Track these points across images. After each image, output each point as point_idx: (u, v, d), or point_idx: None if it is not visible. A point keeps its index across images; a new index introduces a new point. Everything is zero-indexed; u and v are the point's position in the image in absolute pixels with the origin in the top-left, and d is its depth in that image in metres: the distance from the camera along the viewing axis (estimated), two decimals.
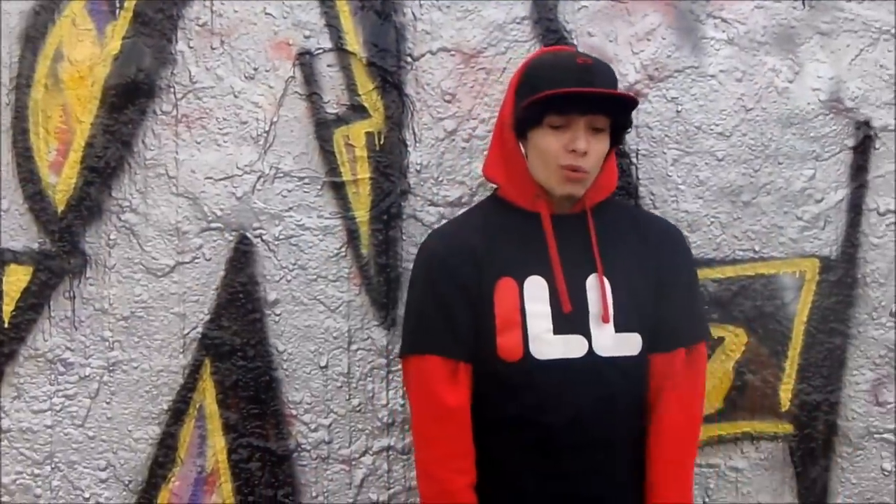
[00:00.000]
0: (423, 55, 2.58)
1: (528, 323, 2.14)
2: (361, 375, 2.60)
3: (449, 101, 2.58)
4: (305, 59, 2.58)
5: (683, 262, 2.29)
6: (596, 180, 2.20)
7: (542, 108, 2.11)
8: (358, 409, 2.61)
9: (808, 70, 2.58)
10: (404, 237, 2.58)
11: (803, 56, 2.58)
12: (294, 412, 2.60)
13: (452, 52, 2.58)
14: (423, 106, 2.58)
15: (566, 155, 2.12)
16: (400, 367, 2.56)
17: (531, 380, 2.12)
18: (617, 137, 2.22)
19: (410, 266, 2.53)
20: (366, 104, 2.58)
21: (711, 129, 2.59)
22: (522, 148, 2.21)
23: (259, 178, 2.59)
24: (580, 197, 2.18)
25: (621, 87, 2.55)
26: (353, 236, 2.59)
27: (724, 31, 2.58)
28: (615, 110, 2.15)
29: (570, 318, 2.13)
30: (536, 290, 2.15)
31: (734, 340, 2.59)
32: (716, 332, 2.58)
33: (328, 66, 2.58)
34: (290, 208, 2.59)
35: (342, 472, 2.62)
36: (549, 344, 2.13)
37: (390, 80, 2.58)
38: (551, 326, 2.13)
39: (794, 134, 2.58)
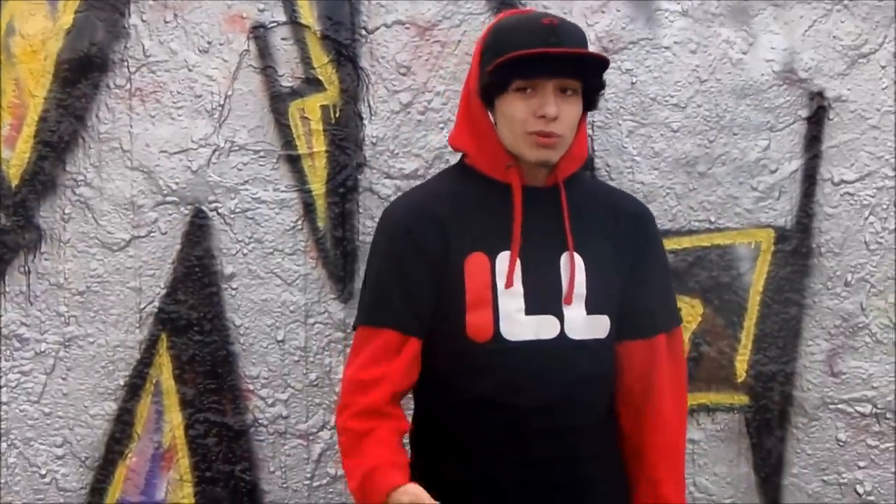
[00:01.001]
0: (377, 28, 2.60)
1: (500, 301, 2.03)
2: (318, 349, 2.62)
3: (404, 74, 2.61)
4: (260, 33, 2.60)
5: (656, 245, 2.20)
6: (568, 150, 2.08)
7: (507, 73, 1.99)
8: (315, 383, 2.63)
9: (762, 41, 2.61)
10: (361, 210, 2.60)
11: (757, 27, 2.62)
12: (251, 387, 2.62)
13: (407, 25, 2.60)
14: (379, 79, 2.60)
15: (535, 121, 1.99)
16: None
17: (500, 361, 2.02)
18: (591, 101, 2.09)
19: (368, 239, 2.54)
20: (321, 77, 2.60)
21: (666, 101, 2.62)
22: (491, 116, 2.09)
23: (214, 151, 2.61)
24: (554, 164, 2.06)
25: None
26: (309, 209, 2.61)
27: (678, 3, 2.61)
28: (585, 72, 2.03)
29: (541, 298, 2.03)
30: (508, 267, 2.05)
31: (690, 311, 2.62)
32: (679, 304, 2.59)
33: (282, 39, 2.61)
34: (246, 182, 2.61)
35: (300, 447, 2.63)
36: (520, 324, 2.02)
37: (345, 54, 2.60)
38: (524, 306, 2.03)
39: (749, 105, 2.62)
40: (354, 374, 2.06)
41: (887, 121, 2.57)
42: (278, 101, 2.61)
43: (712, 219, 2.62)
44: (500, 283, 2.03)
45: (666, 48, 2.62)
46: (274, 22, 2.60)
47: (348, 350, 2.50)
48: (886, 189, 2.57)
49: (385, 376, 2.03)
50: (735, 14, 2.61)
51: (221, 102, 2.60)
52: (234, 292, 2.62)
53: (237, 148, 2.61)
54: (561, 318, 2.04)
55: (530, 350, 2.03)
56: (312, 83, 2.60)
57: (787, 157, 2.61)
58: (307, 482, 2.64)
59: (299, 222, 2.61)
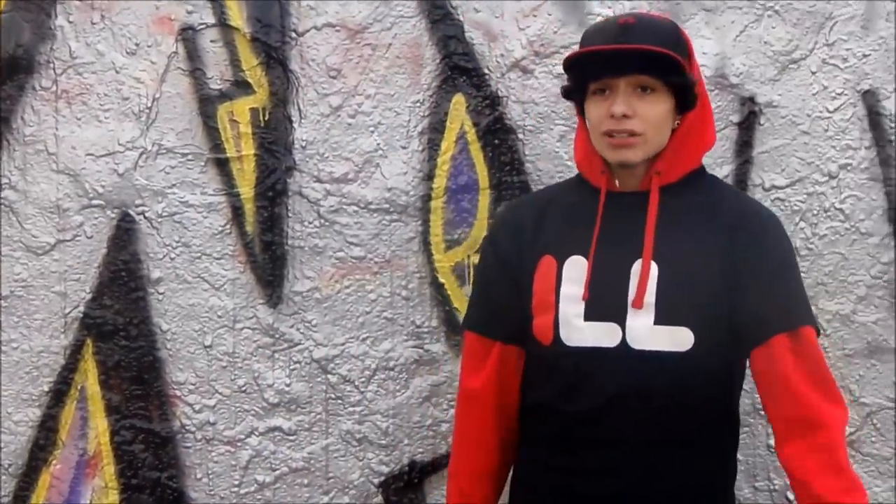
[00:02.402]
0: (307, 30, 2.62)
1: (561, 306, 2.03)
2: (247, 355, 2.63)
3: (334, 77, 2.62)
4: (188, 35, 2.62)
5: (768, 245, 2.05)
6: (667, 154, 2.05)
7: (579, 76, 2.04)
8: (243, 389, 2.63)
9: (694, 46, 2.62)
10: (290, 214, 2.62)
11: (689, 32, 2.60)
12: (178, 393, 2.63)
13: (338, 28, 2.62)
14: (309, 82, 2.62)
15: (609, 121, 1.99)
16: (285, 346, 2.60)
17: (558, 366, 2.03)
18: (686, 101, 2.04)
19: (297, 243, 2.60)
20: (250, 80, 2.62)
21: None
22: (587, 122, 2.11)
23: (141, 154, 2.61)
24: (641, 165, 2.04)
25: (507, 63, 2.60)
26: (237, 213, 2.62)
27: (609, 7, 2.64)
28: (660, 69, 1.98)
29: (603, 304, 2.01)
30: (575, 272, 2.04)
31: None
32: None
33: (211, 41, 2.62)
34: (174, 185, 2.62)
35: (227, 454, 2.64)
36: (578, 330, 2.01)
37: (275, 56, 2.62)
38: (582, 311, 2.02)
39: None
40: (461, 377, 2.22)
41: (818, 126, 2.60)
42: (207, 104, 2.62)
43: None
44: (565, 287, 2.04)
45: None
46: (203, 24, 2.62)
47: (277, 355, 2.52)
48: (817, 195, 2.60)
49: (483, 388, 2.16)
50: None
51: (149, 105, 2.61)
52: (160, 297, 2.62)
53: (165, 151, 2.62)
54: (623, 326, 2.00)
55: (586, 356, 2.01)
56: (241, 86, 2.62)
57: (719, 163, 2.63)
58: (235, 489, 2.64)
59: (227, 226, 2.62)
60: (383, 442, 2.67)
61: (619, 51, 1.96)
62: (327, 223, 2.63)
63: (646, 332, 1.99)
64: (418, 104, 2.63)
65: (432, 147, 2.64)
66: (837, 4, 2.61)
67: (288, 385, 2.64)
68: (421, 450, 2.68)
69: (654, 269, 2.00)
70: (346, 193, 2.63)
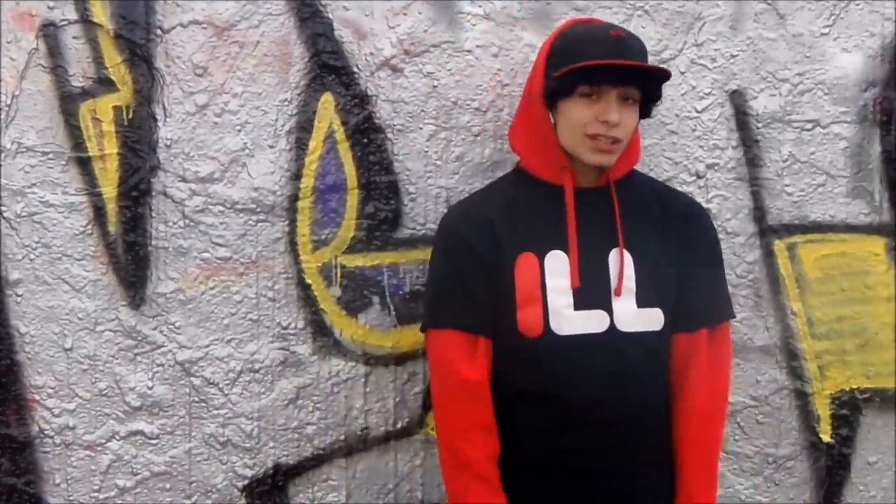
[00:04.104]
0: (173, 28, 2.62)
1: (549, 298, 2.21)
2: (108, 357, 2.62)
3: (200, 75, 2.62)
4: (50, 31, 2.60)
5: (707, 239, 2.36)
6: (623, 152, 2.27)
7: (575, 79, 2.18)
8: (104, 392, 2.62)
9: None
10: (154, 214, 2.61)
11: None
12: (36, 397, 2.60)
13: (204, 25, 2.63)
14: (174, 80, 2.62)
15: (597, 125, 2.18)
16: (148, 348, 2.58)
17: (551, 355, 2.20)
18: (645, 110, 2.28)
19: (161, 244, 2.57)
20: (113, 77, 2.61)
21: (468, 105, 2.67)
22: (552, 118, 2.27)
23: (0, 153, 2.58)
24: (609, 167, 2.25)
25: (377, 62, 2.62)
26: (99, 213, 2.61)
27: (480, 6, 2.67)
28: (646, 83, 2.22)
29: (591, 293, 2.21)
30: (557, 265, 2.22)
31: None
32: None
33: (74, 38, 2.61)
34: (34, 184, 2.60)
35: (87, 459, 2.62)
36: (569, 319, 2.20)
37: (139, 53, 2.62)
38: (572, 302, 2.20)
39: None
40: (451, 365, 2.26)
41: (686, 126, 2.64)
42: (69, 102, 2.61)
43: None
44: (550, 280, 2.22)
45: (468, 52, 2.67)
46: (65, 20, 2.61)
47: (139, 358, 2.50)
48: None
49: (483, 379, 2.24)
50: (537, 18, 2.68)
51: (8, 102, 2.60)
52: (19, 299, 2.60)
53: (24, 150, 2.60)
54: (610, 311, 2.21)
55: (580, 343, 2.20)
56: (105, 83, 2.61)
57: None
58: (94, 494, 2.63)
59: (89, 227, 2.61)
60: (247, 445, 2.67)
61: (623, 66, 2.15)
62: (192, 223, 2.62)
63: (631, 315, 2.22)
64: (286, 103, 2.64)
65: (300, 146, 2.65)
66: (706, 5, 2.66)
67: (150, 388, 2.63)
68: (286, 453, 2.68)
69: (628, 257, 2.23)
70: (212, 193, 2.63)
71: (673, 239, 2.29)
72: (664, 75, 2.22)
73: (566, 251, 2.23)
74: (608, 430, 2.20)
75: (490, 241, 2.25)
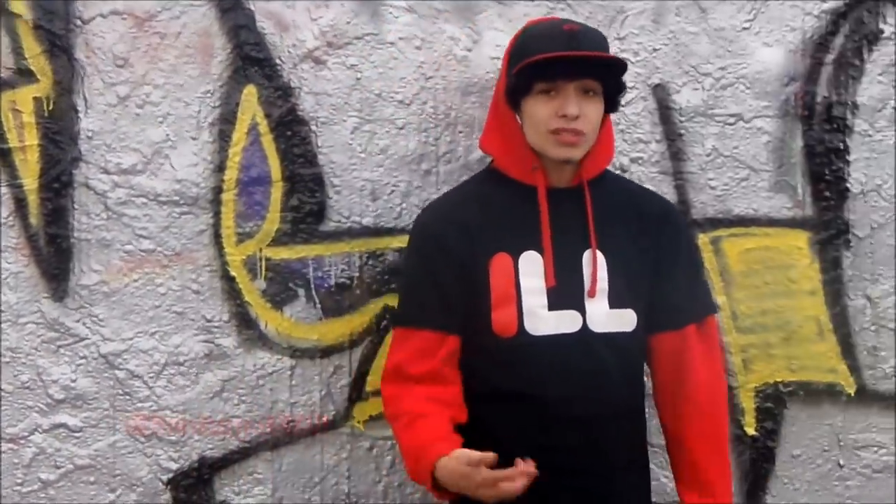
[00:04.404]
0: (93, 18, 2.62)
1: (523, 298, 2.22)
2: (30, 350, 2.62)
3: (121, 66, 2.62)
4: None
5: (682, 238, 2.39)
6: (593, 151, 2.27)
7: (530, 76, 2.19)
8: (27, 385, 2.62)
9: (487, 38, 2.69)
10: (76, 206, 2.61)
11: (482, 24, 2.68)
12: None
13: (124, 16, 2.62)
14: (95, 71, 2.61)
15: (557, 119, 2.19)
16: (71, 341, 2.58)
17: (526, 355, 2.22)
18: (613, 103, 2.29)
19: (84, 236, 2.57)
20: (33, 68, 2.60)
21: (392, 97, 2.67)
22: (519, 119, 2.28)
23: None
24: (577, 162, 2.26)
25: (299, 54, 2.62)
26: (20, 205, 2.60)
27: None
28: (604, 74, 2.22)
29: (564, 294, 2.22)
30: (531, 266, 2.24)
31: None
32: (396, 302, 2.63)
33: None
34: None
35: (9, 452, 2.63)
36: (543, 320, 2.22)
37: (59, 44, 2.61)
38: (546, 302, 2.22)
39: (474, 102, 2.69)
40: (400, 365, 2.28)
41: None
42: None
43: None
44: (524, 280, 2.23)
45: (391, 44, 2.67)
46: None
47: (62, 350, 2.50)
48: None
49: (431, 372, 2.25)
50: (460, 11, 2.68)
51: None
52: None
53: None
54: (583, 312, 2.23)
55: (554, 343, 2.22)
56: (24, 74, 2.60)
57: None
58: (17, 488, 2.64)
59: (10, 218, 2.61)
60: (172, 438, 2.67)
61: (576, 57, 2.16)
62: (115, 215, 2.62)
63: (603, 315, 2.24)
64: (209, 94, 2.64)
65: (223, 138, 2.65)
66: None
67: (74, 381, 2.63)
68: (211, 446, 2.68)
69: (601, 257, 2.24)
70: (135, 185, 2.63)
71: (647, 240, 2.31)
72: (618, 65, 2.23)
73: (540, 252, 2.24)
74: (582, 429, 2.22)
75: (467, 241, 2.26)
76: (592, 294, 2.23)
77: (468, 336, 2.28)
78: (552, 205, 2.26)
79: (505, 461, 2.19)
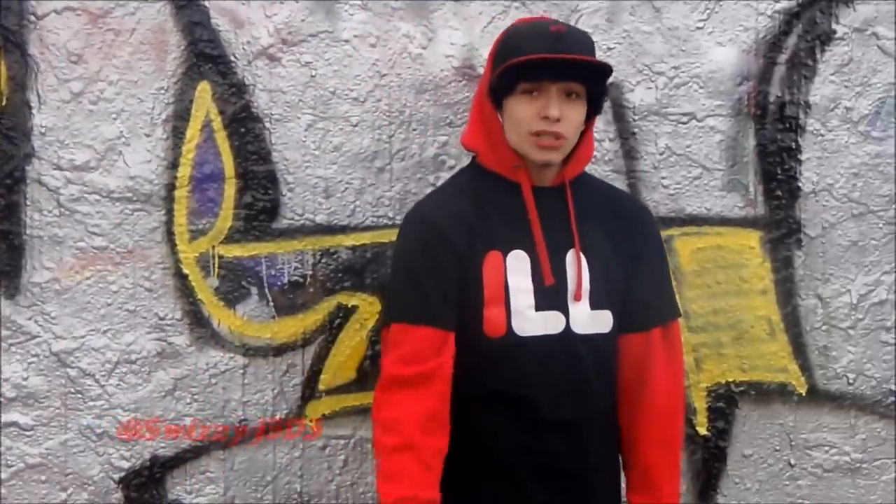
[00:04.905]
0: (47, 14, 2.62)
1: (511, 298, 2.20)
2: None
3: (75, 63, 2.62)
4: None
5: (655, 241, 2.39)
6: (576, 152, 2.27)
7: (514, 76, 2.18)
8: None
9: (442, 37, 2.69)
10: (28, 203, 2.61)
11: (436, 22, 2.69)
12: None
13: (79, 12, 2.62)
14: (48, 67, 2.61)
15: (538, 121, 2.17)
16: (22, 339, 2.58)
17: (513, 356, 2.20)
18: (596, 106, 2.27)
19: (36, 233, 2.56)
20: None
21: (346, 95, 2.68)
22: (500, 117, 2.27)
23: None
24: (557, 164, 2.25)
25: (254, 51, 2.62)
26: None
27: None
28: (587, 77, 2.20)
29: (550, 295, 2.21)
30: (519, 265, 2.21)
31: (368, 308, 2.68)
32: (350, 300, 2.65)
33: None
34: None
35: None
36: (530, 320, 2.20)
37: (12, 40, 2.61)
38: (533, 302, 2.20)
39: (429, 100, 2.70)
40: (396, 365, 2.19)
41: None
42: None
43: (391, 214, 2.69)
44: (512, 279, 2.20)
45: (346, 41, 2.68)
46: None
47: (14, 348, 2.50)
48: None
49: (428, 374, 2.17)
50: (414, 9, 2.69)
51: None
52: None
53: None
54: (566, 313, 2.22)
55: (539, 344, 2.21)
56: None
57: (467, 154, 2.66)
58: None
59: None
60: (124, 437, 2.66)
61: (561, 59, 2.14)
62: (68, 212, 2.62)
63: (585, 317, 2.23)
64: (163, 91, 2.64)
65: (177, 135, 2.66)
66: None
67: (25, 379, 2.62)
68: (163, 444, 2.68)
69: (583, 258, 2.24)
70: (88, 182, 2.63)
71: (622, 241, 2.31)
72: (602, 68, 2.20)
73: (528, 250, 2.22)
74: (566, 431, 2.22)
75: (466, 236, 2.22)
76: (579, 297, 2.22)
77: (458, 334, 2.23)
78: (536, 204, 2.25)
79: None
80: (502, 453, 2.23)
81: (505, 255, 2.22)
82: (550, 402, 2.20)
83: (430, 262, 2.22)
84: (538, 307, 2.21)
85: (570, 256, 2.24)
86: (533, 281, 2.21)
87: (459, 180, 2.39)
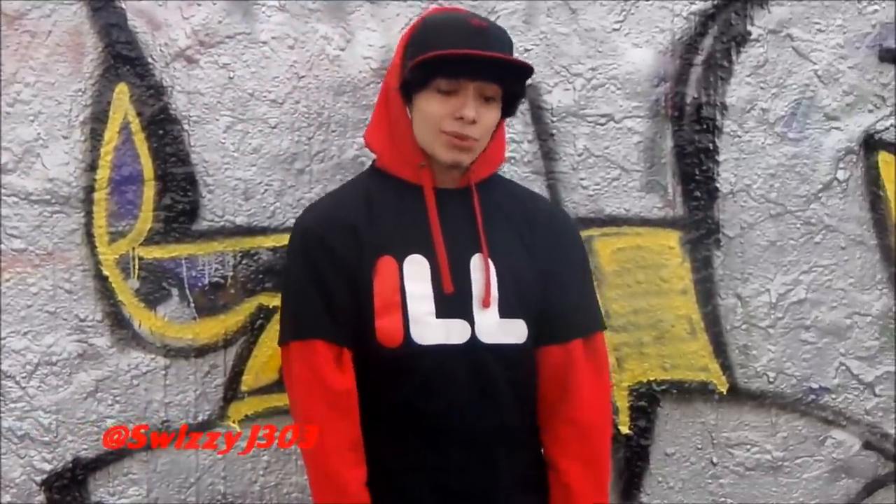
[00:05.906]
0: None
1: (409, 305, 2.11)
2: None
3: None
4: None
5: (573, 249, 2.29)
6: (484, 153, 2.18)
7: (431, 71, 2.08)
8: None
9: (359, 38, 2.72)
10: None
11: (354, 24, 2.72)
12: None
13: None
14: None
15: (452, 121, 2.09)
16: None
17: (412, 366, 2.10)
18: (509, 108, 2.20)
19: None
20: None
21: (264, 97, 2.70)
22: (409, 113, 2.17)
23: None
24: (466, 167, 2.16)
25: (172, 52, 2.64)
26: None
27: None
28: (508, 78, 2.13)
29: (453, 301, 2.11)
30: (417, 270, 2.13)
31: None
32: (271, 301, 2.68)
33: None
34: None
35: None
36: (430, 328, 2.11)
37: None
38: (434, 309, 2.11)
39: (347, 102, 2.73)
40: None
41: None
42: None
43: None
44: (409, 286, 2.12)
45: (264, 43, 2.70)
46: None
47: None
48: None
49: (330, 387, 2.11)
50: (332, 11, 2.71)
51: None
52: None
53: None
54: (472, 321, 2.12)
55: (441, 353, 2.11)
56: None
57: None
58: None
59: None
60: (46, 439, 2.69)
61: (486, 57, 2.05)
62: None
63: (493, 326, 2.13)
64: (80, 93, 2.66)
65: (95, 137, 2.67)
66: None
67: None
68: (85, 446, 2.71)
69: (490, 264, 2.14)
70: (6, 184, 2.65)
71: (537, 247, 2.22)
72: (527, 69, 2.13)
73: (427, 255, 2.13)
74: (472, 447, 2.13)
75: (351, 244, 2.14)
76: (487, 304, 2.12)
77: (356, 347, 2.15)
78: (438, 206, 2.15)
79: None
80: (402, 471, 2.14)
81: (400, 260, 2.13)
82: (451, 414, 2.11)
83: (314, 275, 2.15)
84: (439, 314, 2.11)
85: (477, 261, 2.14)
86: (433, 287, 2.12)
87: (347, 187, 2.34)
